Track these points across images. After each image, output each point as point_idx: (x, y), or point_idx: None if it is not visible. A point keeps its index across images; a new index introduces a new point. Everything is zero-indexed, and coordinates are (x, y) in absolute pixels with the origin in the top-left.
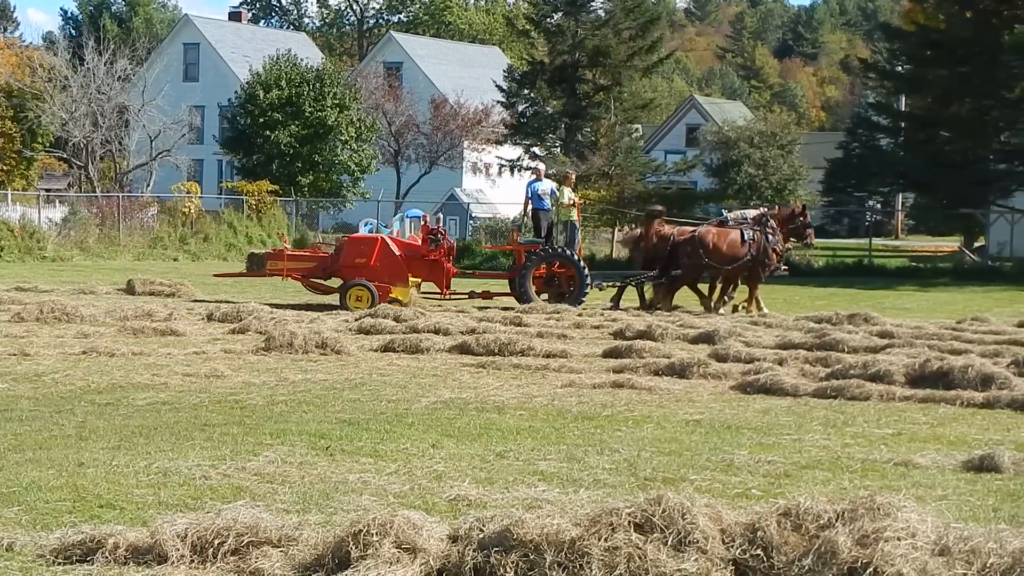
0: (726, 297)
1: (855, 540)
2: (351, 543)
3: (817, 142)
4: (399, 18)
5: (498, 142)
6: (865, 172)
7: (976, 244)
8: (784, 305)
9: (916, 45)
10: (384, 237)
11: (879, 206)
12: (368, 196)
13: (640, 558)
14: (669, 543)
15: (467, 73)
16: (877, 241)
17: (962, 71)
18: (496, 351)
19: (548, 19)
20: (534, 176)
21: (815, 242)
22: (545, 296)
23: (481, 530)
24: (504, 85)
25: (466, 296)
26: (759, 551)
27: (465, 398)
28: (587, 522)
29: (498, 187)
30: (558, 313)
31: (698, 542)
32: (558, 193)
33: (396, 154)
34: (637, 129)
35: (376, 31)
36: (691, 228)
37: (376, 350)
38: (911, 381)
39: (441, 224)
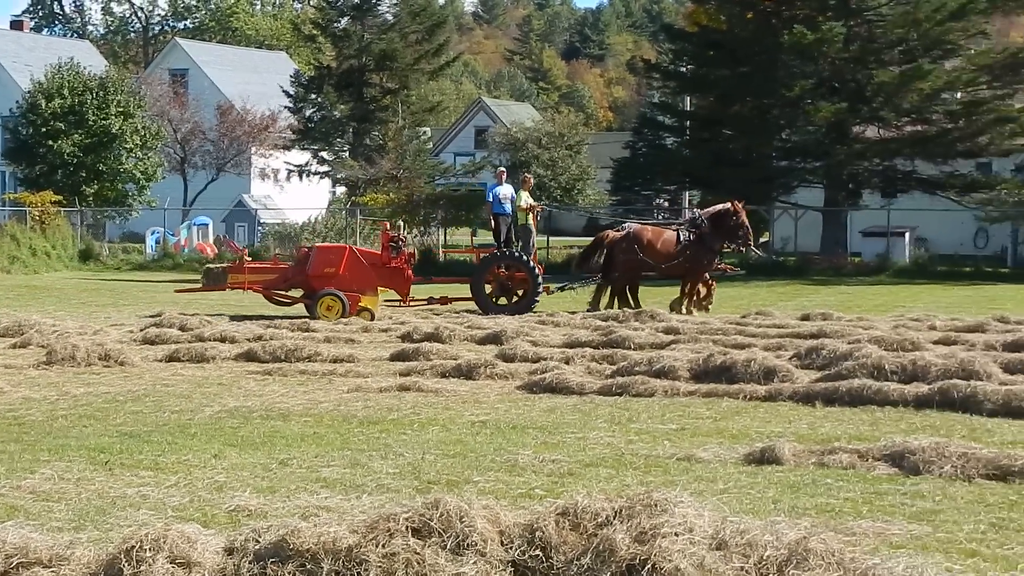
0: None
1: (633, 537)
2: (124, 560)
3: (604, 142)
4: (185, 24)
5: (286, 147)
6: (651, 171)
7: (761, 239)
8: (572, 304)
9: (698, 46)
10: (351, 246)
11: (666, 204)
12: (155, 204)
13: (418, 563)
14: (447, 547)
15: (254, 79)
16: None
17: (743, 71)
18: (283, 358)
19: (335, 24)
20: (495, 180)
21: None
22: (503, 300)
23: (257, 541)
24: (291, 90)
25: (425, 303)
26: (538, 551)
27: (250, 406)
28: (364, 529)
29: (286, 193)
30: (346, 318)
31: (476, 545)
32: (516, 198)
33: (182, 161)
34: (425, 132)
35: (162, 38)
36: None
37: (161, 360)
38: (695, 376)
39: (402, 231)
